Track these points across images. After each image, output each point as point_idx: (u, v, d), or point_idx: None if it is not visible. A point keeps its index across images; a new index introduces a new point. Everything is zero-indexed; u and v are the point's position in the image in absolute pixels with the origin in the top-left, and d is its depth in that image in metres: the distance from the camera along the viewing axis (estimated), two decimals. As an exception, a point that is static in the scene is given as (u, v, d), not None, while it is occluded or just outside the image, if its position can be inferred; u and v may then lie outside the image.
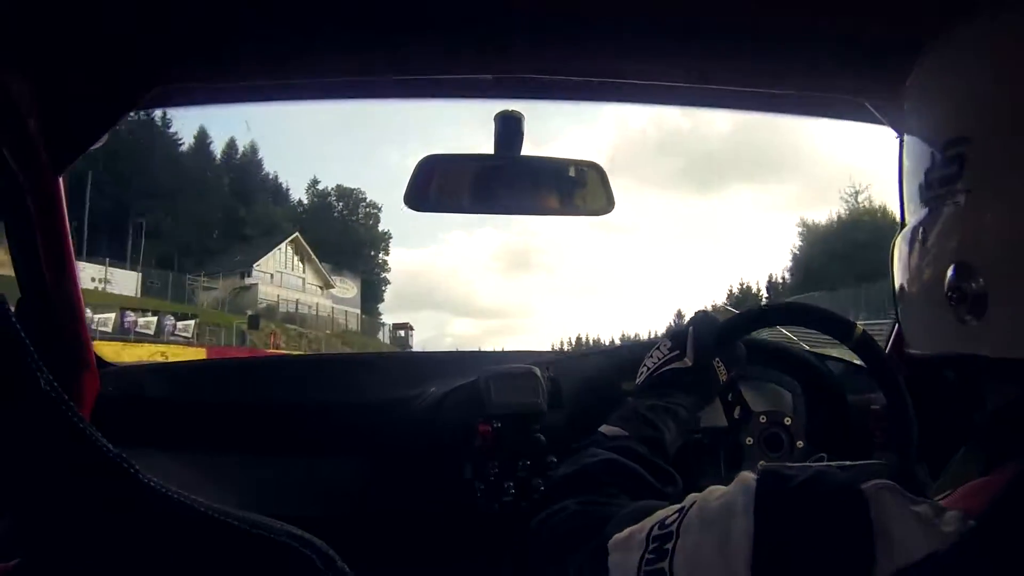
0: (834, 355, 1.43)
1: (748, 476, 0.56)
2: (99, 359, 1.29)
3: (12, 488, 0.50)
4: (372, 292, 46.57)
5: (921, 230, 0.56)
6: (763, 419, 1.17)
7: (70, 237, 1.16)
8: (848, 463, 1.00)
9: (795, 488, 0.53)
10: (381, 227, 50.52)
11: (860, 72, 1.02)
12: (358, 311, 41.75)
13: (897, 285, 0.63)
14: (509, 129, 1.13)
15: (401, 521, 1.36)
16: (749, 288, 50.82)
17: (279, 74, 1.02)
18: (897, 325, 1.25)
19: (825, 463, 1.04)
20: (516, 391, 1.34)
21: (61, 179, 1.13)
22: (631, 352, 1.50)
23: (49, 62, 0.94)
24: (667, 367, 1.05)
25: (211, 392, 1.47)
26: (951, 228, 0.54)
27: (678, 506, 0.59)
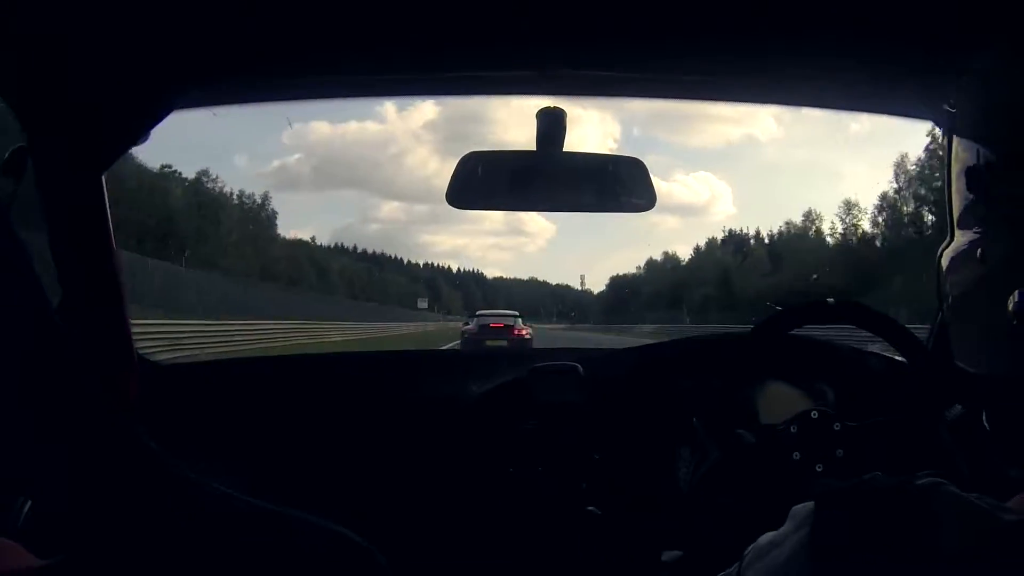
0: (874, 351, 1.38)
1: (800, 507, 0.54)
2: (142, 358, 1.29)
3: (55, 486, 0.50)
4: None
5: (980, 251, 0.51)
6: (814, 414, 1.15)
7: (112, 236, 1.17)
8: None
9: (849, 489, 0.51)
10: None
11: (917, 67, 0.97)
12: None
13: (948, 299, 0.58)
14: (551, 125, 1.11)
15: (443, 518, 1.36)
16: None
17: (320, 71, 1.01)
18: (936, 332, 1.21)
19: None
20: (559, 389, 1.33)
21: (103, 177, 1.14)
22: (673, 349, 1.48)
23: (90, 60, 0.94)
24: None
25: (253, 391, 1.48)
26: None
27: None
